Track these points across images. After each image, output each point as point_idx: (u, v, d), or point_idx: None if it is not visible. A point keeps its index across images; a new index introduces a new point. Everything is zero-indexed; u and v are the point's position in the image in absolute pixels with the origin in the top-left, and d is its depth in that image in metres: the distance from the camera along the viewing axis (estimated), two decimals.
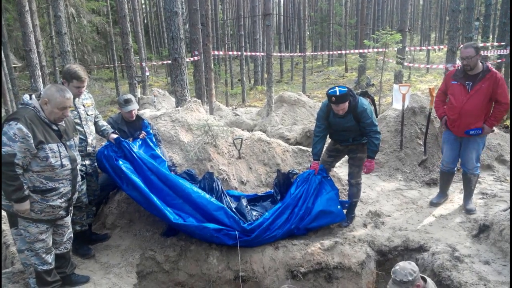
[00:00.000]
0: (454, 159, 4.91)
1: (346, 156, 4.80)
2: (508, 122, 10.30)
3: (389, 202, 5.42)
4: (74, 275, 3.60)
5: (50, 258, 3.24)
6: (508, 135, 6.98)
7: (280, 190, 4.68)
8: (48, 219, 3.15)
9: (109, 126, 4.23)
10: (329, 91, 4.08)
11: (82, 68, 3.70)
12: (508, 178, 5.91)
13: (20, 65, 21.67)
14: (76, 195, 3.38)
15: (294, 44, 42.92)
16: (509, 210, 4.17)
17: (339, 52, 32.03)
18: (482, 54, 15.90)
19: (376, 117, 4.48)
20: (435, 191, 5.49)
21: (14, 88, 14.21)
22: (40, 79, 10.38)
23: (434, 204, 5.17)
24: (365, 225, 4.74)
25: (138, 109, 4.81)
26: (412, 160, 6.31)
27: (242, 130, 5.90)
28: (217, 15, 29.72)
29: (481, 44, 16.17)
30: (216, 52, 21.80)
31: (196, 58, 14.11)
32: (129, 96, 4.50)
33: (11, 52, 17.24)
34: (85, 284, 3.60)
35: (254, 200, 4.70)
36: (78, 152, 3.38)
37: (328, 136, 4.60)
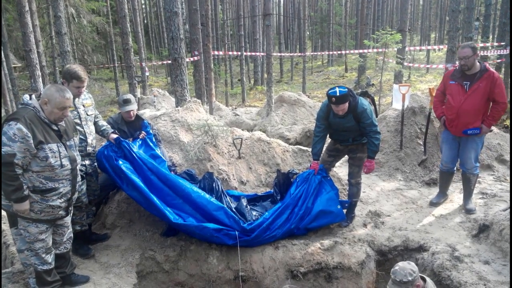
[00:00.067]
0: (453, 158, 4.92)
1: (346, 156, 4.80)
2: (508, 122, 10.30)
3: (389, 202, 5.42)
4: (74, 275, 3.60)
5: (50, 258, 3.25)
6: (508, 135, 6.98)
7: (280, 190, 4.68)
8: (48, 219, 3.15)
9: (109, 126, 4.23)
10: (329, 92, 4.08)
11: (82, 68, 3.71)
12: (508, 178, 5.92)
13: (20, 65, 21.69)
14: (76, 195, 3.39)
15: (294, 44, 42.93)
16: (509, 210, 4.18)
17: (339, 52, 32.03)
18: (482, 54, 15.93)
19: (376, 117, 4.48)
20: (435, 191, 5.49)
21: (14, 88, 14.21)
22: (40, 79, 10.38)
23: (434, 204, 5.17)
24: (365, 225, 4.74)
25: (138, 109, 4.82)
26: (412, 160, 6.31)
27: (242, 130, 5.90)
28: (217, 15, 29.72)
29: (481, 44, 16.19)
30: (216, 52, 21.79)
31: (196, 58, 14.12)
32: (129, 96, 4.50)
33: (11, 52, 17.24)
34: (85, 284, 3.60)
35: (254, 200, 4.70)
36: (78, 152, 3.38)
37: (328, 136, 4.60)
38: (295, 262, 4.11)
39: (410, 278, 2.86)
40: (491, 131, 4.71)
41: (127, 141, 4.15)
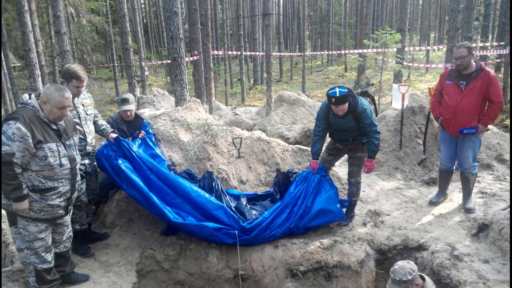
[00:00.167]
0: (451, 158, 4.93)
1: (346, 155, 4.81)
2: (507, 122, 10.31)
3: (389, 201, 5.42)
4: (73, 273, 3.61)
5: (49, 256, 3.25)
6: (507, 135, 6.99)
7: (280, 189, 4.68)
8: (47, 218, 3.15)
9: (108, 125, 4.23)
10: (329, 92, 4.07)
11: (81, 67, 3.71)
12: (508, 177, 5.92)
13: (19, 64, 21.68)
14: (75, 194, 3.39)
15: (294, 43, 42.93)
16: (508, 209, 4.18)
17: (339, 51, 32.04)
18: (482, 54, 15.95)
19: (376, 116, 4.49)
20: (434, 190, 5.50)
21: (14, 87, 14.20)
22: (40, 79, 10.38)
23: (433, 203, 5.17)
24: (364, 224, 4.74)
25: (138, 109, 4.82)
26: (412, 160, 6.32)
27: (242, 129, 5.90)
28: (216, 15, 29.71)
29: (481, 44, 16.19)
30: (215, 52, 21.79)
31: (195, 57, 14.11)
32: (127, 96, 4.50)
33: (10, 52, 17.23)
34: (85, 283, 3.60)
35: (253, 199, 4.70)
36: (77, 152, 3.38)
37: (328, 135, 4.61)
38: (294, 261, 4.11)
39: (409, 277, 2.87)
40: (487, 130, 4.72)
41: (126, 140, 4.16)
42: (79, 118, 3.80)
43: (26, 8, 10.09)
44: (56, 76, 18.10)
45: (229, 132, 5.23)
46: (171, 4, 7.02)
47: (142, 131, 4.44)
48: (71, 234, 3.52)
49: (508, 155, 6.35)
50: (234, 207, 4.28)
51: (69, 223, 3.47)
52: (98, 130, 4.12)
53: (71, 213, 3.48)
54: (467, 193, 4.94)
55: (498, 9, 22.58)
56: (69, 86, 3.57)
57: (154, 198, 3.96)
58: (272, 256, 4.15)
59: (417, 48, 27.30)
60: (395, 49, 14.20)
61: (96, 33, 26.08)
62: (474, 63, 4.51)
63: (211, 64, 14.57)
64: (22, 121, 2.90)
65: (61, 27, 10.15)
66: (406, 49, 16.49)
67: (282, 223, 4.28)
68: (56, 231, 3.35)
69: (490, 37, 21.41)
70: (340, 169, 6.22)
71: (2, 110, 13.13)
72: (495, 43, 16.15)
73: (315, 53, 35.11)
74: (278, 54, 31.37)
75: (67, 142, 3.22)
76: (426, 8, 40.73)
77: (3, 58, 13.35)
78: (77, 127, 3.66)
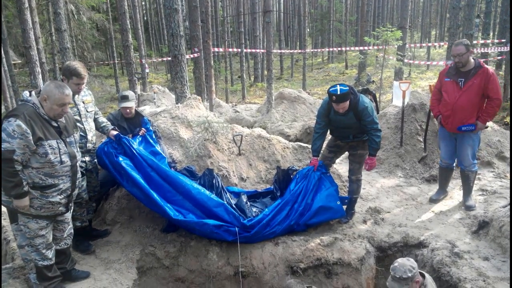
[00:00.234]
0: (451, 155, 4.93)
1: (346, 152, 4.80)
2: (508, 119, 10.30)
3: (389, 198, 5.43)
4: (74, 270, 3.62)
5: (50, 253, 3.25)
6: (508, 132, 6.98)
7: (280, 187, 4.68)
8: (48, 215, 3.16)
9: (109, 122, 4.24)
10: (330, 90, 4.07)
11: (81, 65, 3.70)
12: (508, 174, 5.92)
13: (19, 62, 21.64)
14: (76, 192, 3.39)
15: (294, 41, 42.85)
16: (508, 207, 4.18)
17: (339, 49, 31.95)
18: (483, 51, 15.92)
19: (378, 113, 4.48)
20: (435, 187, 5.50)
21: (14, 85, 14.18)
22: (40, 76, 10.36)
23: (433, 200, 5.18)
24: (364, 221, 4.75)
25: (138, 106, 4.82)
26: (412, 157, 6.31)
27: (242, 126, 5.90)
28: (217, 12, 29.65)
29: (482, 41, 16.16)
30: (216, 49, 21.75)
31: (196, 55, 14.09)
32: (127, 93, 4.50)
33: (10, 49, 17.21)
34: (86, 280, 3.61)
35: (254, 196, 4.71)
36: (78, 149, 3.38)
37: (328, 132, 4.60)
38: (295, 258, 4.12)
39: (409, 275, 2.87)
40: (486, 127, 4.73)
41: (127, 137, 4.16)
42: (80, 115, 3.80)
43: (26, 5, 10.06)
44: (57, 74, 18.09)
45: (229, 130, 5.23)
46: (171, 1, 7.01)
47: (143, 128, 4.44)
48: (72, 231, 3.53)
49: (509, 152, 6.35)
50: (235, 204, 4.28)
51: (70, 220, 3.48)
52: (99, 127, 4.12)
53: (71, 210, 3.48)
54: (467, 190, 4.94)
55: (499, 6, 22.50)
56: (70, 83, 3.57)
57: (155, 195, 3.97)
58: (272, 253, 4.16)
59: (418, 46, 27.26)
60: (396, 47, 14.18)
61: (97, 30, 26.06)
62: (472, 60, 4.51)
63: (212, 62, 14.56)
64: (23, 118, 2.90)
65: (61, 24, 10.14)
66: (407, 46, 16.48)
67: (283, 220, 4.28)
68: (57, 228, 3.36)
69: (491, 34, 21.34)
70: (341, 166, 6.22)
71: (3, 107, 13.12)
72: (496, 41, 16.11)
73: (315, 50, 35.03)
74: (279, 51, 31.34)
75: (68, 139, 3.22)
76: (427, 5, 40.64)
77: (3, 55, 13.33)
78: (78, 124, 3.66)
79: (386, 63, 13.88)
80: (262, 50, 23.02)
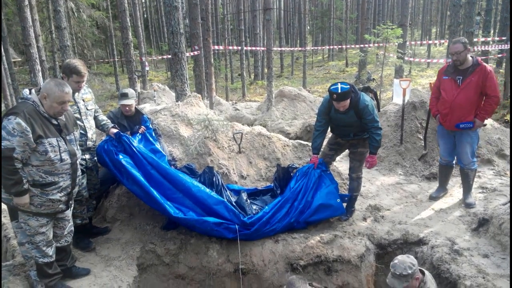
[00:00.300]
0: (450, 152, 4.94)
1: (347, 150, 4.80)
2: (508, 117, 10.29)
3: (389, 196, 5.43)
4: (74, 267, 3.63)
5: (50, 251, 3.26)
6: (508, 130, 6.97)
7: (280, 184, 4.69)
8: (48, 212, 3.17)
9: (109, 120, 4.24)
10: (331, 88, 4.06)
11: (81, 62, 3.70)
12: (508, 172, 5.92)
13: (19, 59, 21.63)
14: (76, 189, 3.39)
15: (295, 38, 42.80)
16: (508, 204, 4.19)
17: (340, 46, 31.96)
18: (483, 49, 15.89)
19: (379, 111, 4.48)
20: (435, 185, 5.50)
21: (14, 82, 14.18)
22: (40, 74, 10.37)
23: (433, 198, 5.18)
24: (364, 219, 4.75)
25: (138, 104, 4.81)
26: (412, 155, 6.31)
27: (242, 124, 5.90)
28: (217, 10, 29.60)
29: (482, 39, 16.13)
30: (216, 47, 21.72)
31: (196, 52, 14.08)
32: (127, 90, 4.50)
33: (10, 47, 17.20)
34: (86, 277, 3.63)
35: (254, 194, 4.71)
36: (78, 147, 3.39)
37: (329, 130, 4.60)
38: (295, 255, 4.13)
39: (409, 271, 2.88)
40: (484, 125, 4.74)
41: (127, 135, 4.16)
42: (80, 113, 3.80)
43: (26, 3, 10.06)
44: (57, 71, 18.08)
45: (229, 127, 5.23)
46: None
47: (142, 126, 4.43)
48: (72, 228, 3.54)
49: (509, 150, 6.35)
50: (235, 202, 4.29)
51: (70, 217, 3.48)
52: (99, 125, 4.12)
53: (72, 208, 3.49)
54: (467, 188, 4.94)
55: (500, 4, 22.47)
56: (70, 81, 3.57)
57: (155, 193, 3.97)
58: (272, 250, 4.17)
59: (419, 43, 27.20)
60: (396, 44, 14.15)
61: (97, 28, 26.00)
62: (470, 58, 4.52)
63: (212, 59, 14.56)
64: (22, 116, 2.90)
65: (61, 22, 10.13)
66: (407, 44, 16.45)
67: (283, 218, 4.29)
68: (57, 225, 3.36)
69: (491, 32, 21.30)
70: (341, 164, 6.22)
71: (3, 105, 13.13)
72: (496, 38, 16.08)
73: (316, 48, 34.97)
74: (279, 49, 31.27)
75: (68, 137, 3.22)
76: (427, 3, 40.54)
77: (3, 53, 13.33)
78: (78, 122, 3.66)
79: (387, 61, 13.86)
80: (262, 48, 23.00)
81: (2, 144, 2.84)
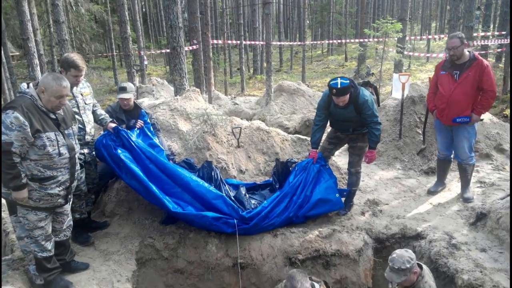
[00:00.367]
0: (448, 146, 4.95)
1: (346, 145, 4.80)
2: (507, 112, 10.30)
3: (387, 190, 5.44)
4: (73, 262, 3.64)
5: (49, 245, 3.26)
6: (507, 124, 6.98)
7: (279, 179, 4.69)
8: (47, 207, 3.16)
9: (107, 115, 4.22)
10: (331, 83, 4.05)
11: (80, 57, 3.68)
12: (507, 167, 5.93)
13: (17, 53, 21.53)
14: (75, 184, 3.39)
15: (294, 33, 42.61)
16: (506, 198, 4.20)
17: (339, 41, 31.81)
18: (483, 44, 15.86)
19: (378, 106, 4.47)
20: (433, 179, 5.51)
21: (12, 76, 14.13)
22: (38, 68, 10.32)
23: (432, 192, 5.20)
24: (363, 213, 4.76)
25: (137, 98, 4.80)
26: (411, 149, 6.32)
27: (241, 119, 5.90)
28: (216, 4, 29.46)
29: (482, 34, 16.09)
30: (215, 41, 21.65)
31: (195, 47, 14.02)
32: (126, 84, 4.48)
33: (8, 41, 17.12)
34: (85, 271, 3.63)
35: (252, 188, 4.71)
36: (76, 141, 3.38)
37: (328, 124, 4.60)
38: (293, 249, 4.14)
39: (408, 266, 2.89)
40: (481, 120, 4.74)
41: (125, 130, 4.15)
42: (78, 107, 3.79)
43: None
44: (55, 65, 18.02)
45: (228, 122, 5.23)
46: None
47: (139, 121, 4.41)
48: (71, 223, 3.54)
49: (508, 145, 6.36)
50: (233, 197, 4.29)
51: (69, 212, 3.48)
52: (97, 120, 4.11)
53: (70, 202, 3.49)
54: (465, 182, 4.95)
55: None
56: (68, 76, 3.55)
57: (153, 187, 3.97)
58: (271, 244, 4.18)
59: (418, 38, 27.14)
60: (395, 39, 14.11)
61: (95, 22, 25.90)
62: (467, 52, 4.52)
63: (211, 54, 14.51)
64: (20, 110, 2.89)
65: (59, 16, 10.07)
66: (407, 38, 16.39)
67: (281, 212, 4.29)
68: (56, 220, 3.36)
69: (491, 26, 21.24)
70: (340, 158, 6.22)
71: (1, 99, 13.08)
72: (496, 33, 16.04)
73: (315, 42, 34.81)
74: (278, 43, 31.12)
75: (66, 131, 3.21)
76: None
77: (1, 47, 13.26)
78: (76, 116, 3.65)
79: (386, 55, 13.83)
80: (262, 42, 22.91)
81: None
